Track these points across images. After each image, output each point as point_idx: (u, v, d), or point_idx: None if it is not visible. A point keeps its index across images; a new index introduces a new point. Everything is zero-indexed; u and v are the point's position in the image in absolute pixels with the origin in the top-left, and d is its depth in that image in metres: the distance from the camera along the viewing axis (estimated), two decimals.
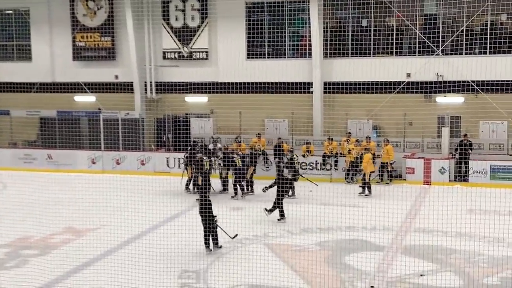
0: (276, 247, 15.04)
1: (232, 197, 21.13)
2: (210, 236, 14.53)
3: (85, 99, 29.80)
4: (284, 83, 26.85)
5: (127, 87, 29.02)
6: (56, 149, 27.54)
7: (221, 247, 14.71)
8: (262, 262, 13.02)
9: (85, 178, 20.29)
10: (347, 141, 24.19)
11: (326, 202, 19.18)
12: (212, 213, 14.57)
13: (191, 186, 22.04)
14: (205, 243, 14.53)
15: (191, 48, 28.10)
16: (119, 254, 14.11)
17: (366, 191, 21.21)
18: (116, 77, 29.24)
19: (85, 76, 29.61)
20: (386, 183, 22.90)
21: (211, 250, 14.55)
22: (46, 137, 28.63)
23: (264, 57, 27.52)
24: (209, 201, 14.70)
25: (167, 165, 25.69)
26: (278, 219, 17.47)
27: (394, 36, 25.97)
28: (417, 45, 25.63)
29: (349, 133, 25.09)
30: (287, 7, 26.91)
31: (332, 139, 24.36)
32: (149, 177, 23.33)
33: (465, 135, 23.67)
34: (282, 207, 17.62)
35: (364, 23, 26.32)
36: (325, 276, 12.50)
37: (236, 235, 14.88)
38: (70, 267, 13.45)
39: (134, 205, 16.62)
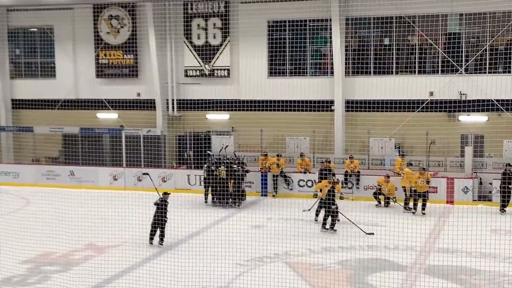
0: (297, 266, 14.93)
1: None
2: (329, 218, 18.16)
3: (108, 116, 30.00)
4: (305, 101, 26.81)
5: (149, 105, 29.21)
6: (79, 166, 27.71)
7: (335, 231, 18.08)
8: (283, 280, 12.92)
9: (107, 195, 20.34)
10: (409, 165, 22.81)
11: (347, 221, 19.06)
12: (334, 201, 18.16)
13: (209, 198, 23.16)
14: (323, 224, 18.45)
15: (213, 66, 28.21)
16: (140, 271, 14.10)
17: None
18: (138, 94, 29.43)
19: (108, 93, 29.82)
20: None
21: (327, 229, 18.21)
22: (68, 153, 28.82)
23: (286, 75, 27.54)
24: (334, 193, 18.41)
25: (188, 182, 25.70)
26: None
27: (417, 55, 25.88)
28: (440, 63, 25.50)
29: (403, 154, 24.30)
30: (309, 25, 26.96)
31: (353, 158, 24.22)
32: (171, 194, 23.32)
33: (508, 165, 22.12)
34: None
35: (386, 41, 26.29)
36: None
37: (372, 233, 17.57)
38: (91, 284, 13.47)
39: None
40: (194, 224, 17.47)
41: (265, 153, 25.20)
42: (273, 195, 24.38)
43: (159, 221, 16.80)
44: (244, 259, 14.91)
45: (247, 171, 23.53)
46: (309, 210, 20.68)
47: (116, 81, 29.72)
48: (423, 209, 21.11)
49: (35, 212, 18.38)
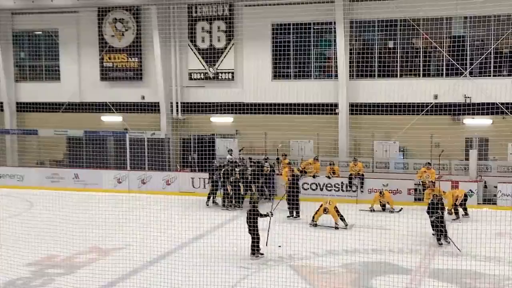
0: (301, 269, 14.91)
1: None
2: (437, 231, 17.12)
3: (112, 119, 30.04)
4: (309, 104, 26.83)
5: (153, 108, 29.23)
6: (83, 169, 27.73)
7: (441, 244, 16.97)
8: (287, 284, 12.91)
9: (111, 198, 20.35)
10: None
11: (352, 224, 19.03)
12: (437, 210, 17.13)
13: (218, 200, 23.28)
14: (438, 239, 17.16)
15: (217, 69, 28.23)
16: (144, 273, 14.10)
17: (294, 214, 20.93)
18: (143, 97, 29.46)
19: (112, 96, 29.88)
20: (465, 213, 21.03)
21: (448, 242, 16.85)
22: (73, 156, 28.85)
23: (290, 78, 27.56)
24: (440, 198, 17.75)
25: (192, 185, 25.72)
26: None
27: (421, 58, 25.86)
28: (444, 66, 25.47)
29: (429, 163, 23.33)
30: (313, 28, 26.96)
31: (357, 160, 24.19)
32: (174, 197, 23.36)
33: None
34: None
35: (391, 44, 26.25)
36: None
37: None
38: (95, 286, 13.46)
39: (159, 225, 16.61)
40: (198, 226, 17.50)
41: (285, 153, 25.28)
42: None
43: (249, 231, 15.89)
44: (248, 262, 14.90)
45: (262, 174, 23.70)
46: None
47: (121, 84, 29.77)
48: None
49: (39, 215, 18.40)
